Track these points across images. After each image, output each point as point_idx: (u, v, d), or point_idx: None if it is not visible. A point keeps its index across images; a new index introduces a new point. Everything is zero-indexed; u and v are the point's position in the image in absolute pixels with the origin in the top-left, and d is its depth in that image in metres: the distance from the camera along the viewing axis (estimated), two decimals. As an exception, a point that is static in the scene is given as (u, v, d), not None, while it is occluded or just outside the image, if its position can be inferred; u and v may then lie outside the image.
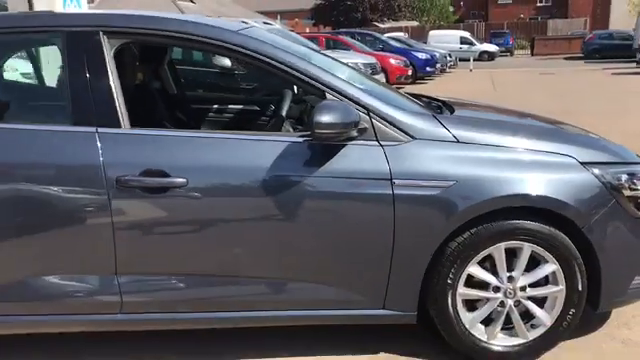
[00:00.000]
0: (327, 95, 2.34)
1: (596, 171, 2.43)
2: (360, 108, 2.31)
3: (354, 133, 2.28)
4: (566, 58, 30.26)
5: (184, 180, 2.23)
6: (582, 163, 2.43)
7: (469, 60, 25.06)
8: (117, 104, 2.29)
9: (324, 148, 2.29)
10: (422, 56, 18.34)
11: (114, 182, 2.21)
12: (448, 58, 22.49)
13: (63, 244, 2.29)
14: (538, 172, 2.37)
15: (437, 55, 19.70)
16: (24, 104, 2.73)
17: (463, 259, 2.37)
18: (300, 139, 2.31)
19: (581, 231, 2.37)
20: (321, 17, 41.59)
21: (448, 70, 22.17)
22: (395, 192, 2.27)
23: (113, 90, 2.30)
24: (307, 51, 2.78)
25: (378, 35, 21.79)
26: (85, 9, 12.19)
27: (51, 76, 2.72)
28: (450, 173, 2.29)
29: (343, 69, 2.84)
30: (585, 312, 2.52)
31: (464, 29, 37.02)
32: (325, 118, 2.15)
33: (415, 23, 45.66)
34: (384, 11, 43.18)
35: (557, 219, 2.37)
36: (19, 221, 2.26)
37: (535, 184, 2.34)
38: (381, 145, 2.31)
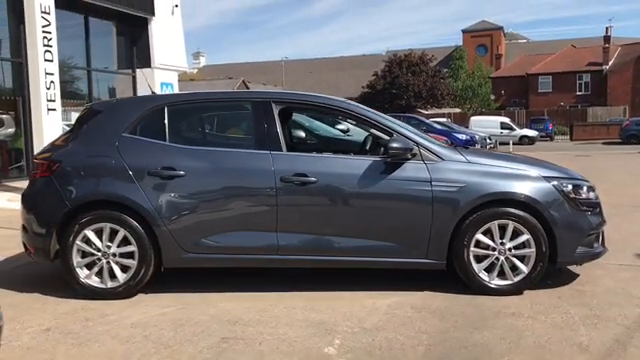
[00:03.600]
0: (394, 135, 4.23)
1: (554, 182, 4.19)
2: (412, 142, 4.19)
3: (409, 156, 4.14)
4: (604, 143, 31.68)
5: (315, 179, 4.12)
6: (545, 177, 4.21)
7: (509, 144, 26.79)
8: (280, 138, 4.25)
9: (393, 164, 4.16)
10: (462, 137, 20.26)
11: (279, 179, 4.12)
12: (488, 140, 24.31)
13: (249, 213, 4.18)
14: (518, 181, 4.16)
15: (477, 137, 21.56)
16: (230, 138, 4.82)
17: (473, 229, 4.12)
18: (380, 159, 4.20)
19: (544, 216, 4.10)
20: (367, 104, 44.46)
21: (488, 151, 23.81)
22: (433, 189, 4.10)
23: (278, 130, 4.27)
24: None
25: (422, 118, 23.82)
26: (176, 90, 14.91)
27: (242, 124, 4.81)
28: (463, 179, 4.11)
29: (403, 124, 4.74)
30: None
31: (505, 116, 38.96)
32: (396, 145, 4.05)
33: (458, 110, 48.05)
34: (427, 99, 45.88)
35: (529, 208, 4.11)
36: (228, 199, 4.19)
37: (517, 187, 4.12)
38: (425, 163, 4.17)
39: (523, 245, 4.15)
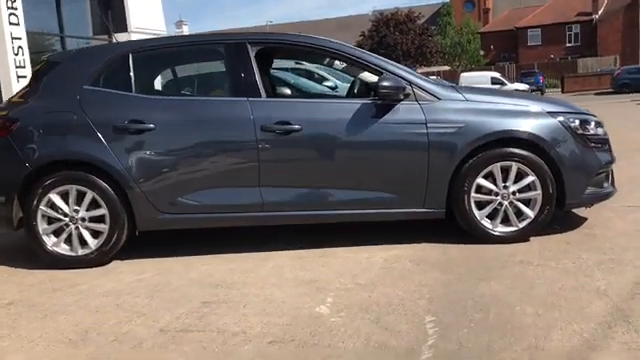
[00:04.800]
0: (384, 73, 3.84)
1: (559, 118, 3.82)
2: (405, 81, 3.79)
3: (402, 96, 3.76)
4: (596, 94, 31.36)
5: (299, 127, 3.73)
6: (549, 112, 3.84)
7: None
8: (258, 83, 3.84)
9: (384, 107, 3.77)
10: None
11: (259, 128, 3.73)
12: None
13: (229, 167, 3.81)
14: (521, 118, 3.79)
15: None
16: (203, 86, 4.39)
17: (474, 173, 3.77)
18: (370, 101, 3.81)
19: (549, 155, 3.75)
20: (356, 65, 43.86)
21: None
22: (429, 131, 3.72)
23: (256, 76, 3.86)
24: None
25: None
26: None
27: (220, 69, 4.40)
28: (461, 119, 3.74)
29: (395, 63, 4.34)
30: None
31: (495, 71, 38.47)
32: (386, 83, 3.66)
33: (447, 67, 47.48)
34: (416, 58, 45.24)
35: (534, 147, 3.76)
36: (205, 152, 3.80)
37: (520, 124, 3.76)
38: (419, 103, 3.78)
39: (528, 188, 3.81)
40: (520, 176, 3.80)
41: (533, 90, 35.58)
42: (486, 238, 3.84)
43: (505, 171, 3.80)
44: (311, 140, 3.79)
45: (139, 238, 3.98)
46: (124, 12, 13.59)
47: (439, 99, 3.81)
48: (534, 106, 3.91)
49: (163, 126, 3.79)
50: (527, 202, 3.84)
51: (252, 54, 3.91)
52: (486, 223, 3.84)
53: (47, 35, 12.64)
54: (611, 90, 30.99)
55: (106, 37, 13.76)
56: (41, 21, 11.92)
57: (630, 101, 22.13)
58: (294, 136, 3.74)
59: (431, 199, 3.81)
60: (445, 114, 3.76)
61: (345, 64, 4.31)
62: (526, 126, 3.77)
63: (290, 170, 3.84)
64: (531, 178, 3.78)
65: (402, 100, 3.77)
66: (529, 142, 3.76)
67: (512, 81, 35.73)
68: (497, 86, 32.70)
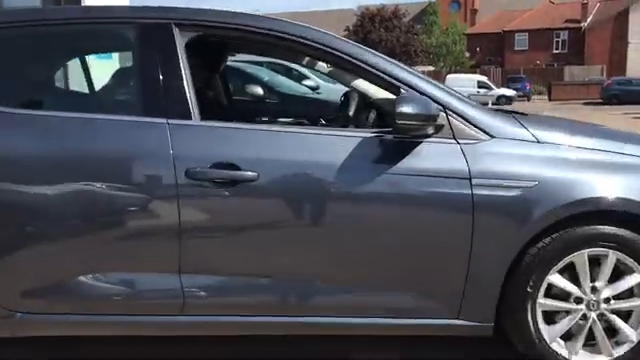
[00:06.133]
0: (403, 89, 2.27)
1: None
2: (437, 104, 2.22)
3: (431, 130, 2.19)
4: (585, 103, 30.28)
5: (255, 174, 2.14)
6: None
7: (487, 104, 25.12)
8: (188, 93, 2.23)
9: (400, 145, 2.20)
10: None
11: (184, 172, 2.13)
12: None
13: (126, 238, 2.19)
14: (632, 177, 2.26)
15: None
16: (91, 96, 2.71)
17: (543, 266, 2.23)
18: (375, 134, 2.23)
19: (673, 241, 2.23)
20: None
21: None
22: (474, 192, 2.16)
23: (185, 82, 2.24)
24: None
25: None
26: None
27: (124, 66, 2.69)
28: (532, 173, 2.19)
29: (415, 71, 2.77)
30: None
31: (481, 74, 37.32)
32: (408, 109, 2.08)
33: (432, 68, 46.30)
34: (401, 56, 43.92)
35: (642, 225, 2.24)
36: (82, 211, 2.17)
37: (630, 189, 2.22)
38: (459, 143, 2.22)
39: (631, 292, 2.30)
40: (619, 273, 2.29)
41: (520, 96, 34.49)
42: (557, 372, 2.32)
43: (595, 262, 2.28)
44: (274, 198, 2.21)
45: None
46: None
47: (492, 137, 2.25)
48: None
49: (11, 162, 2.16)
50: (626, 316, 2.33)
51: (180, 44, 2.29)
52: (559, 347, 2.32)
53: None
54: (600, 100, 29.98)
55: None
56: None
57: (622, 114, 20.99)
58: (244, 190, 2.15)
59: (471, 305, 2.26)
60: (502, 164, 2.21)
61: (334, 68, 2.69)
62: (632, 189, 2.25)
63: (235, 248, 2.24)
64: (637, 278, 2.27)
65: (431, 136, 2.22)
66: (636, 216, 2.24)
67: (498, 86, 34.57)
68: (483, 90, 31.65)
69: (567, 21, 47.12)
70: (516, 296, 2.25)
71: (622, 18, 43.29)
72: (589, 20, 45.88)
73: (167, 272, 2.20)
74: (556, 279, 2.26)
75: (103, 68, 2.88)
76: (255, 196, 2.17)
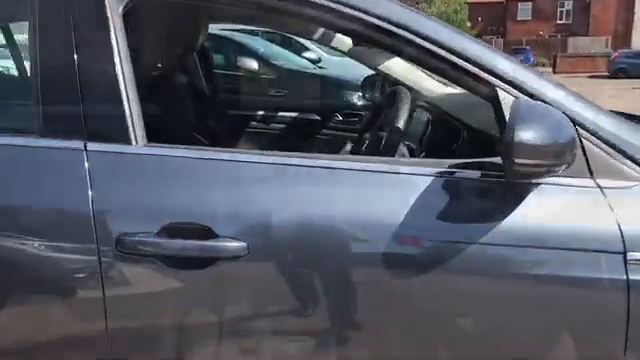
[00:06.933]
0: (500, 93, 1.30)
1: None
2: (575, 124, 1.25)
3: (559, 167, 1.23)
4: (590, 76, 29.18)
5: (242, 245, 1.18)
6: None
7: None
8: (126, 105, 1.25)
9: (495, 192, 1.25)
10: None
11: (113, 244, 1.17)
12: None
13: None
14: None
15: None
16: None
17: None
18: (455, 172, 1.27)
19: None
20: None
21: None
22: (630, 277, 1.22)
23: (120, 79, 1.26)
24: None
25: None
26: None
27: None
28: None
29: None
30: None
31: (483, 45, 36.25)
32: (530, 135, 1.10)
33: (432, 38, 45.05)
34: (400, 25, 42.67)
35: None
36: None
37: None
38: (600, 187, 1.26)
39: None
40: None
41: (524, 68, 33.31)
42: None
43: None
44: (276, 288, 1.25)
45: None
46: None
47: (652, 175, 1.30)
48: None
49: None
50: None
51: (115, 18, 1.30)
52: None
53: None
54: (606, 74, 28.85)
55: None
56: None
57: (631, 89, 19.96)
58: (224, 273, 1.20)
59: None
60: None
61: (377, 50, 1.70)
62: None
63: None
64: None
65: (553, 174, 1.25)
66: None
67: (501, 57, 33.41)
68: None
69: (572, -10, 45.74)
70: None
71: (629, -12, 41.89)
72: (595, -11, 44.47)
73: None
74: None
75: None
76: (242, 284, 1.22)
